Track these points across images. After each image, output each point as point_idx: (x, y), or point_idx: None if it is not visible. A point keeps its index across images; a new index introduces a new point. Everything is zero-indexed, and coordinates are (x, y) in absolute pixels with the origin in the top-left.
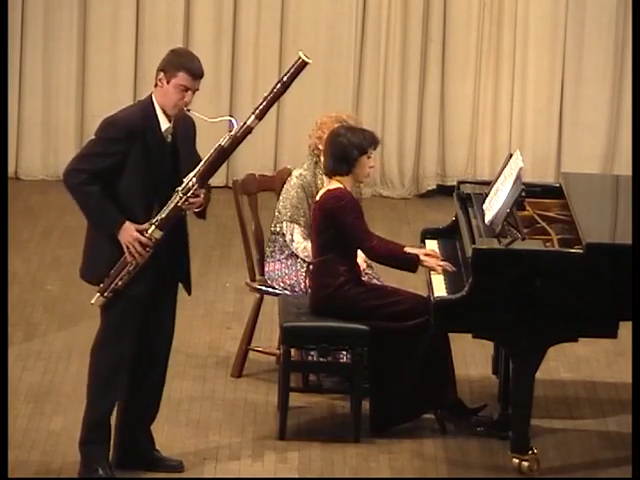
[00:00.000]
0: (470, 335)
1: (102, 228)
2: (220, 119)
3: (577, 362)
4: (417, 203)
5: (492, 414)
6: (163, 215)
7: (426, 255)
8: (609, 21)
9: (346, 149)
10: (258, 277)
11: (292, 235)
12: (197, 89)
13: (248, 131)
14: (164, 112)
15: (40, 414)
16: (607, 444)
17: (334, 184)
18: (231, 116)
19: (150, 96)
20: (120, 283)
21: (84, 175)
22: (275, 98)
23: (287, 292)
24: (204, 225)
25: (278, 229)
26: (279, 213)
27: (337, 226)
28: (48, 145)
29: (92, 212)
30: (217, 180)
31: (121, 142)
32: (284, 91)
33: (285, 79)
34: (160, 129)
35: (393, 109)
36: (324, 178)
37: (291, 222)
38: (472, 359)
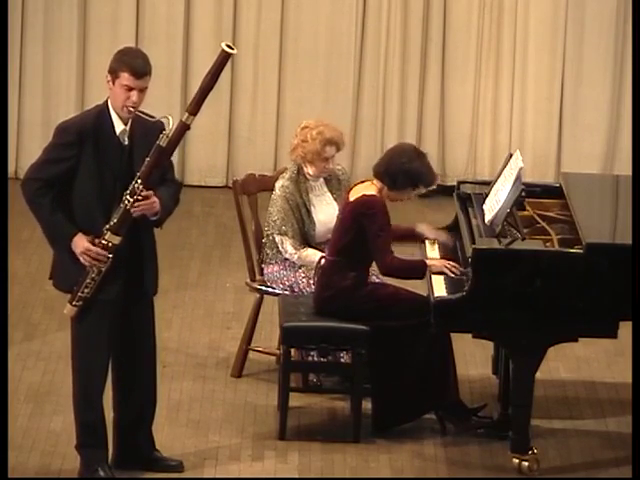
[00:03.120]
0: (470, 335)
1: (55, 241)
2: (159, 118)
3: (577, 362)
4: (417, 203)
5: (492, 414)
6: (115, 220)
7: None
8: (609, 21)
9: (399, 174)
10: (258, 277)
11: (284, 247)
12: (145, 87)
13: (185, 128)
14: (118, 115)
15: (40, 414)
16: (607, 444)
17: (371, 189)
18: (167, 115)
19: (106, 100)
20: (87, 291)
21: (38, 184)
22: (205, 92)
23: (287, 292)
24: (204, 225)
25: (271, 238)
26: (267, 225)
27: (360, 231)
28: None
29: (45, 225)
30: (217, 180)
31: (74, 146)
32: (213, 84)
33: (211, 72)
34: (114, 132)
35: (393, 109)
36: (314, 184)
37: (280, 235)
38: (472, 359)
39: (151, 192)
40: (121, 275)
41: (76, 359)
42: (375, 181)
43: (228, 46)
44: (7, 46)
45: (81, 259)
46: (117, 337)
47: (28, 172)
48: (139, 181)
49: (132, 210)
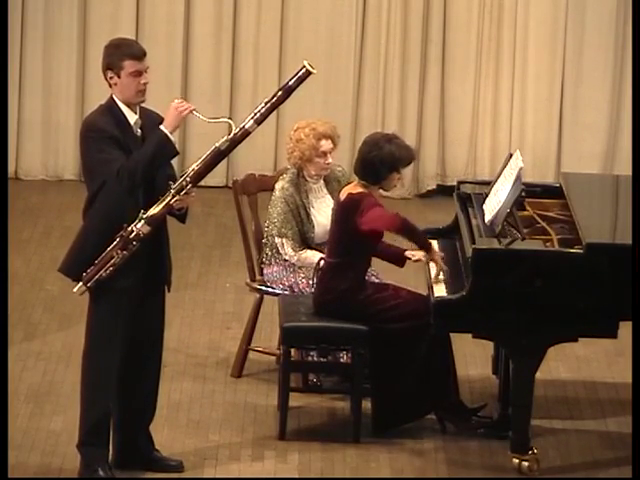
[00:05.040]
0: (470, 335)
1: (164, 153)
2: (218, 120)
3: (577, 362)
4: (417, 203)
5: (492, 414)
6: (155, 211)
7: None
8: (609, 21)
9: (376, 165)
10: (258, 277)
11: (284, 249)
12: (148, 67)
13: (246, 135)
14: (128, 107)
15: (40, 414)
16: (607, 444)
17: (358, 188)
18: (229, 118)
19: (110, 97)
20: (104, 275)
21: (117, 165)
22: (276, 105)
23: (287, 293)
24: (204, 225)
25: (271, 240)
26: (267, 227)
27: (353, 231)
28: (48, 145)
29: (147, 158)
30: (217, 180)
31: (110, 135)
32: (285, 98)
33: (288, 86)
34: (130, 124)
35: (393, 109)
36: (313, 186)
37: (279, 236)
38: (472, 359)
39: (195, 190)
40: (140, 266)
41: (91, 356)
42: (360, 181)
43: (310, 65)
44: (7, 46)
45: (177, 114)
46: (128, 334)
47: (104, 174)
48: (188, 179)
49: (174, 205)
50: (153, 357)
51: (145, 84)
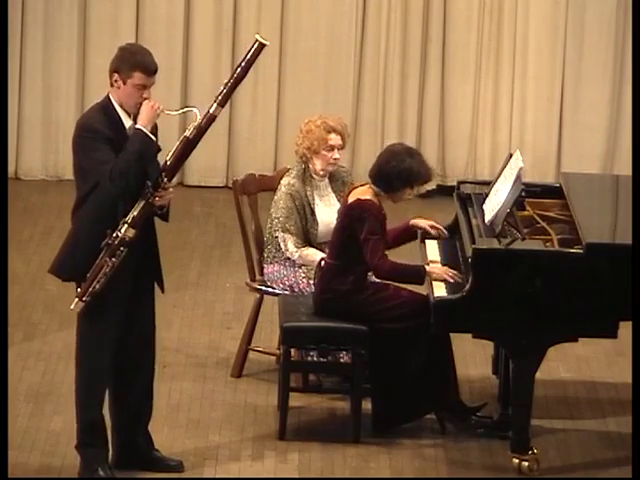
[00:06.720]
0: (470, 335)
1: (149, 151)
2: (181, 111)
3: (577, 362)
4: (417, 203)
5: (492, 414)
6: (135, 213)
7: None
8: (609, 21)
9: (391, 176)
10: (258, 277)
11: (286, 245)
12: (154, 83)
13: (212, 120)
14: (124, 110)
15: (40, 414)
16: (607, 444)
17: (367, 193)
18: (192, 106)
19: (107, 97)
20: (97, 286)
21: (108, 166)
22: (235, 84)
23: (287, 292)
24: (204, 225)
25: (275, 235)
26: (271, 222)
27: (355, 235)
28: (48, 145)
29: (135, 157)
30: (217, 180)
31: (106, 136)
32: (244, 76)
33: (244, 64)
34: (124, 127)
35: (393, 109)
36: (319, 184)
37: (283, 232)
38: (472, 359)
39: (173, 185)
40: (130, 267)
41: (82, 357)
42: (372, 186)
43: (262, 37)
44: (7, 46)
45: (151, 111)
46: (120, 335)
47: (99, 175)
48: (162, 174)
49: (154, 202)
50: (146, 357)
51: (145, 99)
